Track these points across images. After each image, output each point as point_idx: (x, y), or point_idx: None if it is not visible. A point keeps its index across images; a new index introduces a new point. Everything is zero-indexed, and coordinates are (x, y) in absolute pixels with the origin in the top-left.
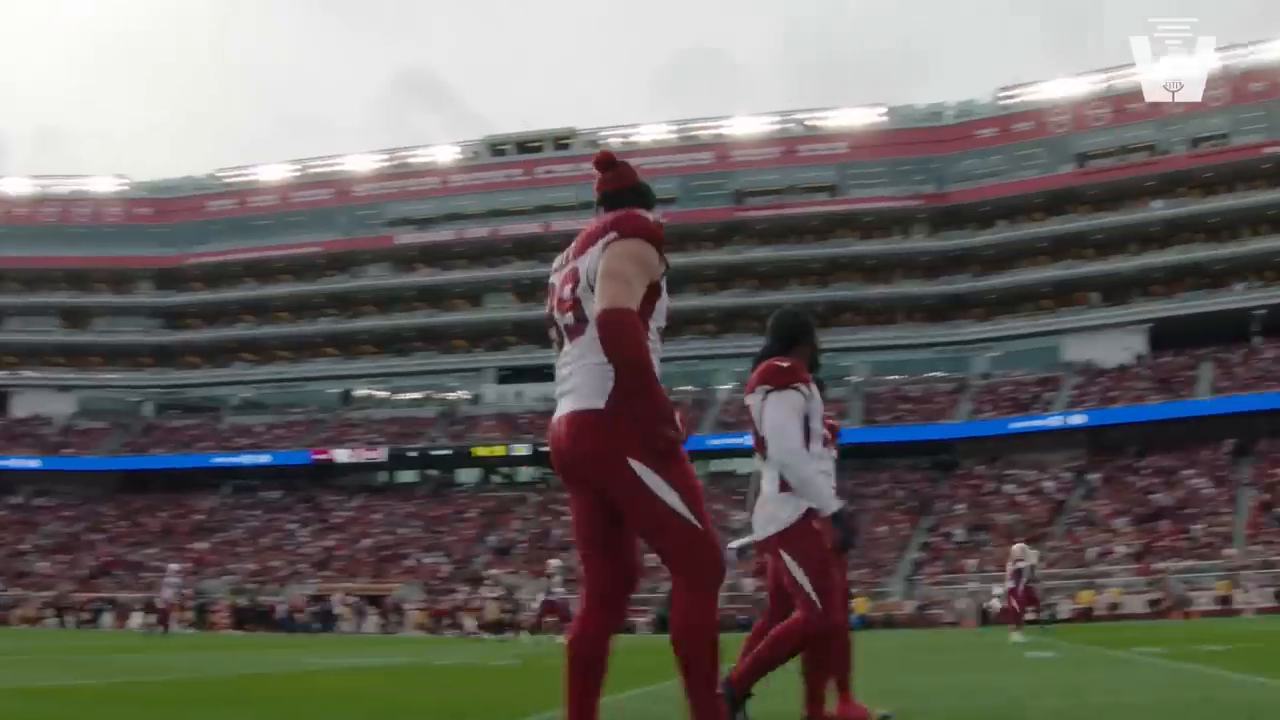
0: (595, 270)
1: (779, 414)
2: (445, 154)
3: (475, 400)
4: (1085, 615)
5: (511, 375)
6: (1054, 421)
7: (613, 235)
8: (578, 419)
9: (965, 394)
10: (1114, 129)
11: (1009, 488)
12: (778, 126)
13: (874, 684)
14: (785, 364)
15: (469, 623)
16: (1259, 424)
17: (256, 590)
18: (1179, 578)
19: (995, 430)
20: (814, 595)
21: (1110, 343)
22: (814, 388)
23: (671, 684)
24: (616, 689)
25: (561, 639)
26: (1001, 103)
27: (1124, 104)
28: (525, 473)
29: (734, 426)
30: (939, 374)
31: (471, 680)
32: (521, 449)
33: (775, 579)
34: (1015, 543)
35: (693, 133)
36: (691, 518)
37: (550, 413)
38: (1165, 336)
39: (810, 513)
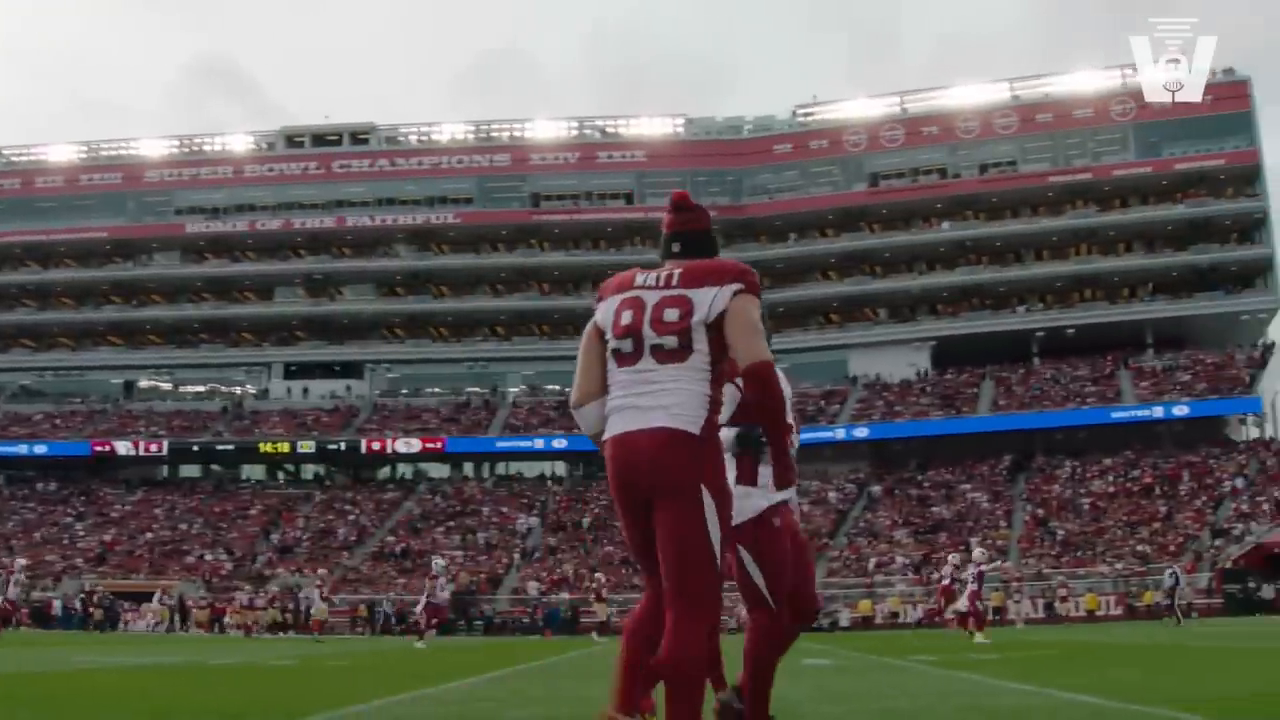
0: (717, 310)
1: None
2: (240, 143)
3: (261, 395)
4: (865, 623)
5: (299, 371)
6: (839, 434)
7: (739, 286)
8: (673, 436)
9: None
10: (907, 151)
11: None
12: (577, 132)
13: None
14: None
15: (253, 619)
16: (1035, 441)
17: (30, 586)
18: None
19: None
20: (768, 595)
21: (896, 358)
22: None
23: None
24: (397, 690)
25: (420, 643)
26: (799, 120)
27: (917, 127)
28: (310, 470)
29: (522, 430)
30: None
31: (250, 680)
32: (307, 446)
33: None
34: (975, 547)
35: (492, 134)
36: (718, 560)
37: (337, 410)
38: (948, 354)
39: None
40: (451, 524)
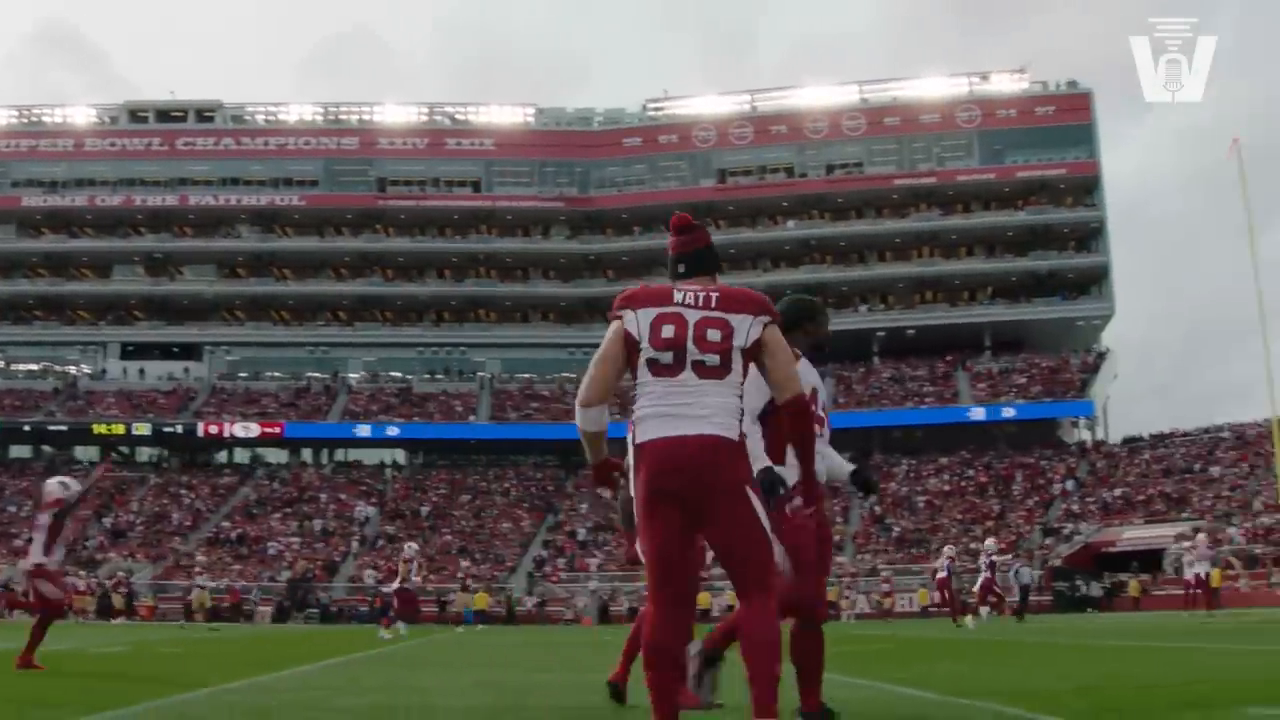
0: (753, 339)
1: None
2: (82, 116)
3: (97, 376)
4: (703, 616)
5: (136, 351)
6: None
7: (769, 319)
8: (720, 441)
9: None
10: (755, 149)
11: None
12: (427, 118)
13: (482, 676)
14: None
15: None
16: (874, 438)
17: None
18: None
19: (621, 432)
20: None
21: None
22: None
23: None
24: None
25: (389, 633)
26: (650, 114)
27: (766, 125)
28: (146, 453)
29: (362, 416)
30: (570, 374)
31: (76, 666)
32: (143, 428)
33: None
34: (987, 538)
35: (340, 116)
36: (775, 544)
37: (175, 392)
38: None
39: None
40: (289, 510)
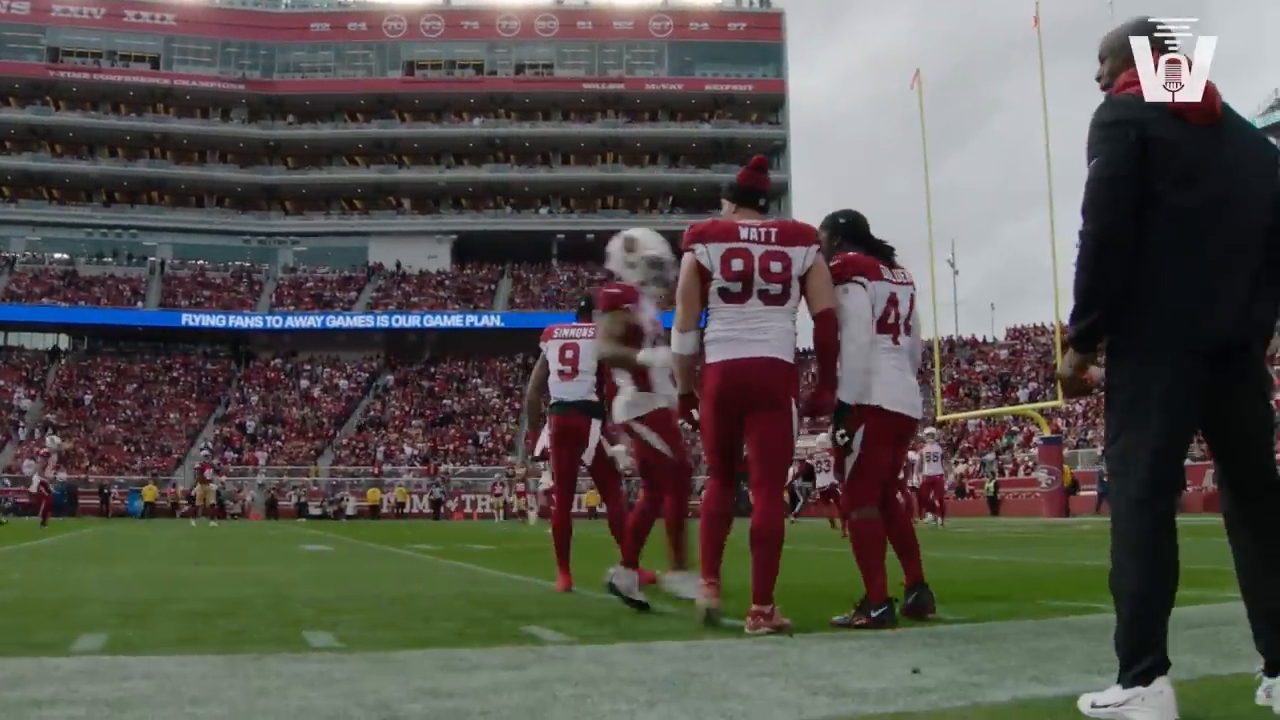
0: (807, 266)
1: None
2: None
3: None
4: (372, 512)
5: None
6: (355, 321)
7: (816, 247)
8: (776, 364)
9: (268, 286)
10: (445, 43)
11: (304, 383)
12: None
13: (142, 569)
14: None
15: None
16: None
17: None
18: (460, 480)
19: (295, 324)
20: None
21: (416, 250)
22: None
23: None
24: None
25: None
26: (340, 0)
27: (458, 20)
28: None
29: (25, 298)
30: (243, 263)
31: None
32: None
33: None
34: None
35: None
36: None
37: None
38: (469, 249)
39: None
40: None
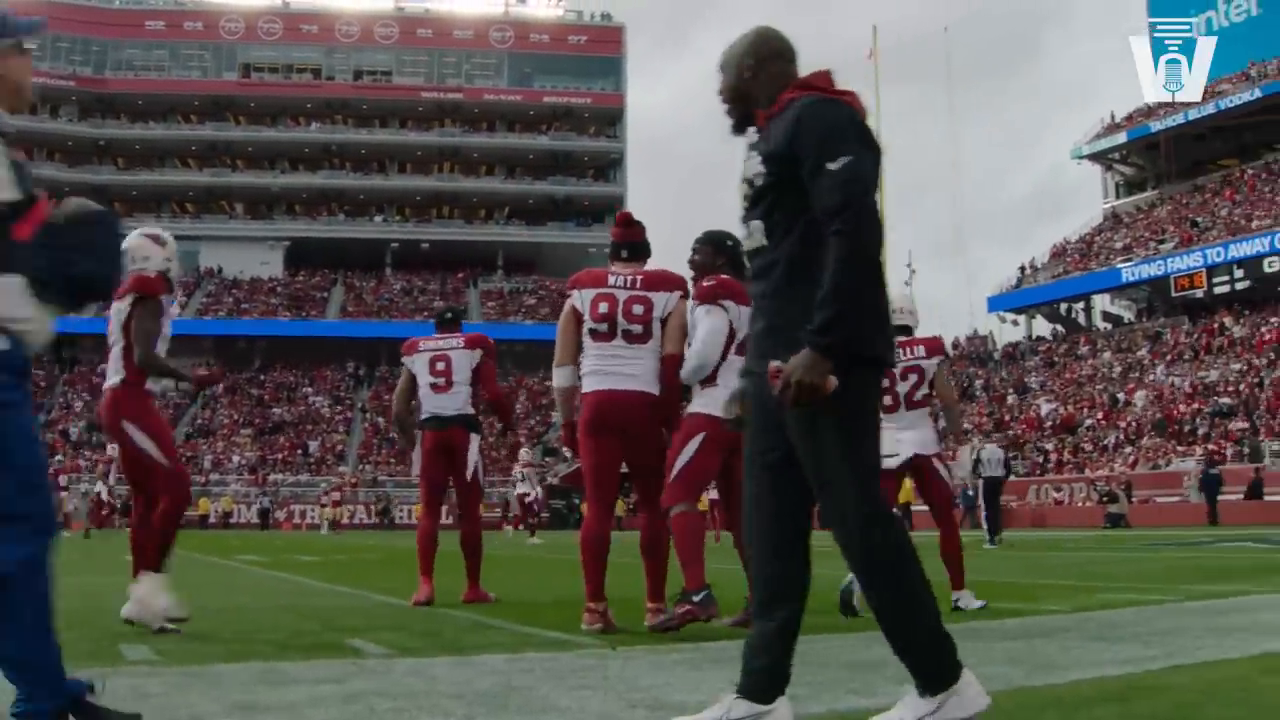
0: (669, 310)
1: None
2: None
3: None
4: (201, 522)
5: None
6: (184, 327)
7: (681, 294)
8: (644, 398)
9: None
10: (283, 46)
11: None
12: None
13: None
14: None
15: None
16: (380, 350)
17: None
18: (289, 490)
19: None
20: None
21: (249, 255)
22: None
23: None
24: None
25: None
26: None
27: (297, 23)
28: None
29: None
30: None
31: None
32: None
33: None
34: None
35: None
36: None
37: None
38: (302, 256)
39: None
40: None
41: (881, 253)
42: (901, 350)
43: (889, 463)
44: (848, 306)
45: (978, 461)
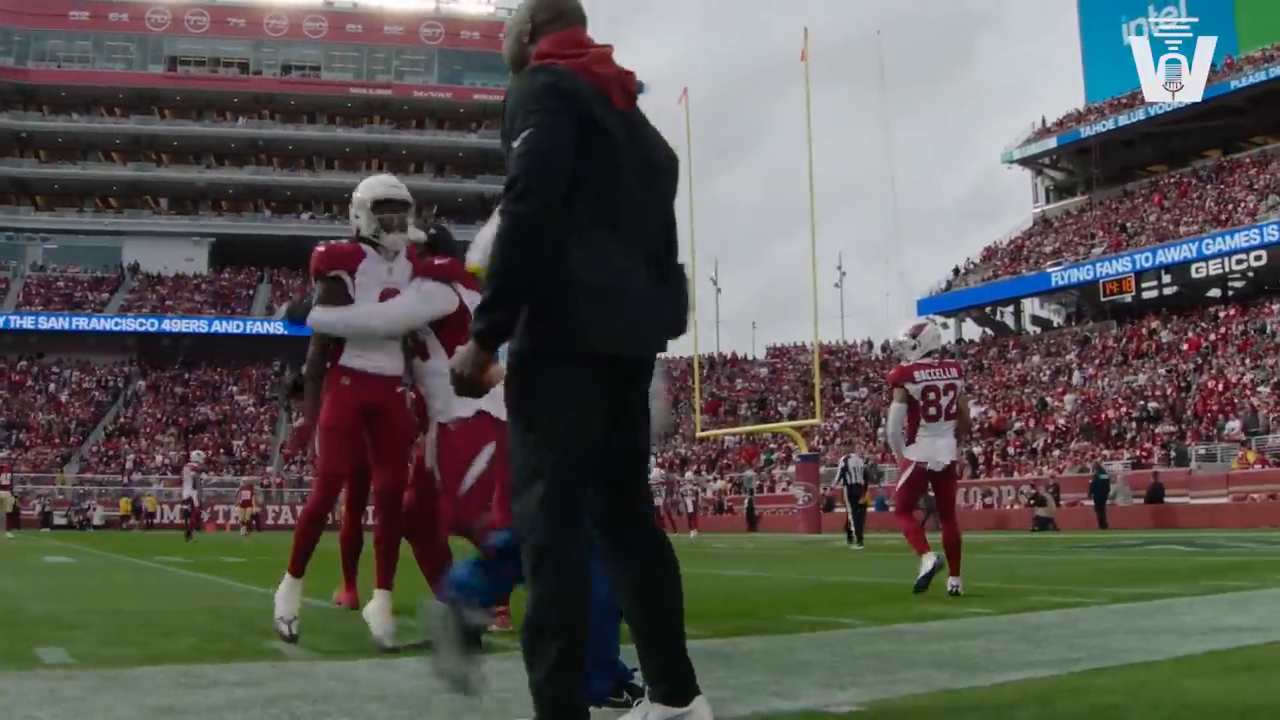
0: None
1: None
2: None
3: None
4: (121, 523)
5: None
6: (106, 324)
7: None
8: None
9: (15, 284)
10: (210, 39)
11: (51, 387)
12: None
13: None
14: None
15: None
16: (306, 349)
17: None
18: (213, 490)
19: (43, 325)
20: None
21: (173, 252)
22: None
23: None
24: None
25: None
26: None
27: (224, 16)
28: None
29: None
30: None
31: None
32: None
33: None
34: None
35: None
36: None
37: None
38: (228, 252)
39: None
40: None
41: (552, 227)
42: (942, 370)
43: (936, 466)
44: (503, 292)
45: (844, 469)
